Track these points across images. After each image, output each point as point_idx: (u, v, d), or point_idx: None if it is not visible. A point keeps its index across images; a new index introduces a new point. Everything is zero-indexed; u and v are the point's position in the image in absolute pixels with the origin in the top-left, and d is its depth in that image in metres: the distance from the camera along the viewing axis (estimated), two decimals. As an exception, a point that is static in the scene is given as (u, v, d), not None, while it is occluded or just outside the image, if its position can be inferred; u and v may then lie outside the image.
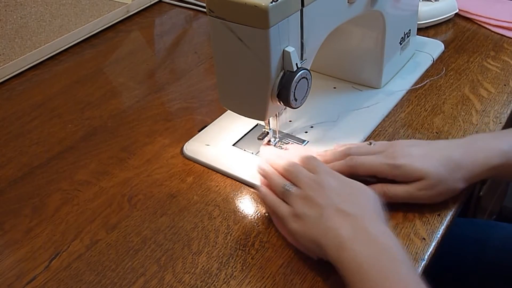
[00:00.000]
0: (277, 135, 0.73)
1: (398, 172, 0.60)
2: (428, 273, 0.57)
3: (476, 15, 0.98)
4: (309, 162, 0.62)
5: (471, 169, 0.60)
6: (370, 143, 0.65)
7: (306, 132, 0.74)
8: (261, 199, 0.62)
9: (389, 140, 0.73)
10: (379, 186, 0.62)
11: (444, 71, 0.77)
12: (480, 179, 0.62)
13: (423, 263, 0.57)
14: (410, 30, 0.84)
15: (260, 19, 0.55)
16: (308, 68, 0.62)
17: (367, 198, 0.57)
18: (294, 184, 0.60)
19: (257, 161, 0.67)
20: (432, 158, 0.60)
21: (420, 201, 0.61)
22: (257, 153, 0.72)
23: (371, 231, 0.52)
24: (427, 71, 0.86)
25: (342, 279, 0.51)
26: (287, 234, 0.59)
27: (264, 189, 0.62)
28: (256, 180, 0.65)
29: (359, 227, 0.53)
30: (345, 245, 0.51)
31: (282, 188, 0.60)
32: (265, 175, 0.63)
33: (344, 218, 0.53)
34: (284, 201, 0.59)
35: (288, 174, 0.61)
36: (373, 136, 0.74)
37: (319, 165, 0.61)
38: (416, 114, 0.77)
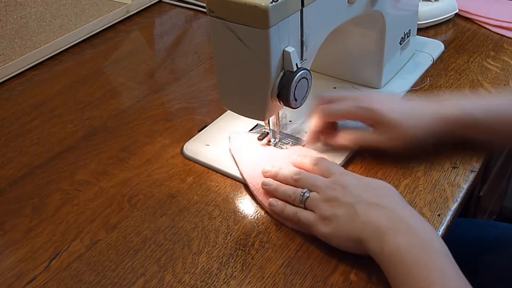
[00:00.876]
0: (277, 135, 0.72)
1: (366, 113, 0.66)
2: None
3: (476, 15, 0.98)
4: (320, 164, 0.62)
5: (431, 118, 0.65)
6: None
7: (306, 132, 0.74)
8: (278, 214, 0.62)
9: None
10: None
11: (428, 81, 0.78)
12: (443, 131, 0.65)
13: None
14: (410, 30, 0.84)
15: (260, 19, 0.55)
16: (308, 68, 0.62)
17: (390, 191, 0.57)
18: (310, 190, 0.60)
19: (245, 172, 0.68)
20: (398, 104, 0.68)
21: (384, 146, 0.66)
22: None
23: (410, 221, 0.52)
24: (427, 71, 0.86)
25: (384, 272, 0.52)
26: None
27: (277, 202, 0.61)
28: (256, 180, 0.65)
29: (397, 218, 0.53)
30: (386, 237, 0.51)
31: (300, 196, 0.59)
32: (272, 190, 0.63)
33: (379, 211, 0.54)
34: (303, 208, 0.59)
35: (299, 183, 0.61)
36: (373, 136, 0.74)
37: (332, 166, 0.61)
38: (416, 114, 0.77)
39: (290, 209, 0.60)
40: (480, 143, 0.68)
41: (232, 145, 0.72)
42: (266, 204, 0.63)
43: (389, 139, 0.65)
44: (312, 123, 0.69)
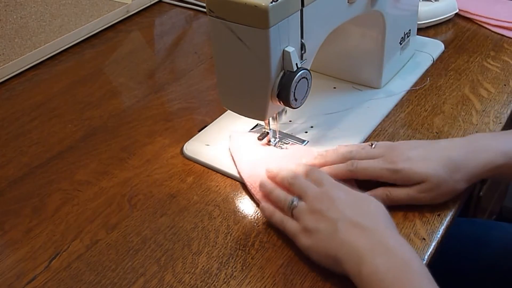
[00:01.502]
0: (277, 135, 0.72)
1: (398, 176, 0.60)
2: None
3: (476, 15, 0.98)
4: (313, 174, 0.61)
5: (472, 170, 0.60)
6: (372, 144, 0.65)
7: (306, 132, 0.74)
8: (267, 218, 0.62)
9: (389, 139, 0.73)
10: (381, 190, 0.62)
11: (428, 81, 0.77)
12: (481, 179, 0.62)
13: (423, 263, 0.56)
14: (410, 30, 0.84)
15: (260, 19, 0.55)
16: (308, 68, 0.62)
17: (377, 209, 0.56)
18: (299, 197, 0.59)
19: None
20: (432, 160, 0.60)
21: (421, 203, 0.61)
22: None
23: (389, 243, 0.52)
24: (427, 71, 0.86)
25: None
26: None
27: (268, 206, 0.62)
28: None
29: (377, 240, 0.52)
30: (365, 259, 0.50)
31: (289, 203, 0.59)
32: (267, 192, 0.63)
33: (360, 231, 0.53)
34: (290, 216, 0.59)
35: (293, 187, 0.61)
36: (373, 136, 0.74)
37: (324, 177, 0.60)
38: (416, 114, 0.77)
39: (278, 216, 0.60)
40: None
41: (232, 145, 0.72)
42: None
43: (433, 198, 0.61)
44: (333, 171, 0.64)
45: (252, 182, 0.66)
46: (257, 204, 0.65)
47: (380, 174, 0.61)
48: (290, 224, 0.58)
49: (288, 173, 0.63)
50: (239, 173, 0.68)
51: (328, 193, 0.57)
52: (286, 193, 0.61)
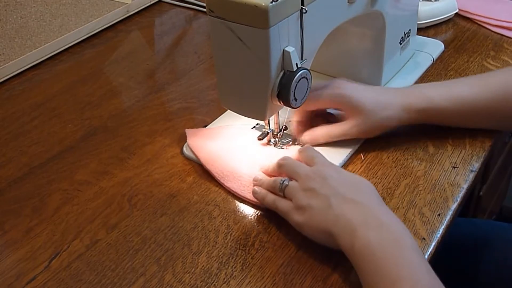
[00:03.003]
0: (277, 135, 0.72)
1: (339, 100, 0.68)
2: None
3: (476, 15, 0.98)
4: (304, 153, 0.63)
5: (397, 108, 0.67)
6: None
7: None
8: (260, 201, 0.63)
9: (389, 139, 0.73)
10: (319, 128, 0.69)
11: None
12: (411, 122, 0.69)
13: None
14: (410, 30, 0.84)
15: (260, 19, 0.55)
16: (308, 68, 0.62)
17: (369, 188, 0.58)
18: (291, 178, 0.60)
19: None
20: (370, 93, 0.68)
21: (354, 137, 0.69)
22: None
23: (383, 218, 0.53)
24: (427, 71, 0.86)
25: (353, 266, 0.52)
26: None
27: (260, 190, 0.63)
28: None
29: (370, 214, 0.53)
30: (358, 232, 0.51)
31: (280, 184, 0.60)
32: (260, 183, 0.64)
33: (354, 206, 0.54)
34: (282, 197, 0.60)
35: (283, 169, 0.62)
36: (373, 136, 0.74)
37: (316, 155, 0.62)
38: (416, 114, 0.77)
39: (270, 197, 0.61)
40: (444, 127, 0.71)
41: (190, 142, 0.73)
42: (248, 197, 0.65)
43: (359, 131, 0.68)
44: (294, 116, 0.71)
45: (241, 180, 0.67)
46: (259, 205, 0.65)
47: (326, 100, 0.68)
48: (283, 203, 0.59)
49: (277, 158, 0.64)
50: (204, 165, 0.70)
51: (320, 172, 0.58)
52: (276, 178, 0.62)
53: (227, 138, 0.73)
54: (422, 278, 0.48)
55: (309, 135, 0.70)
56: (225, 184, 0.67)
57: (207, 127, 0.78)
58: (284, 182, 0.60)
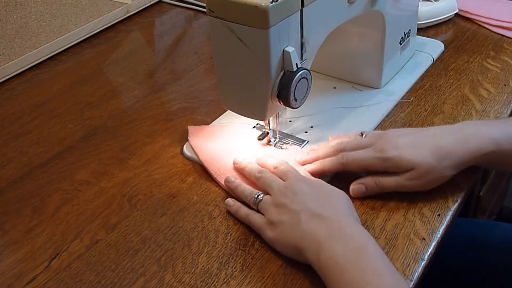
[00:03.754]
0: (277, 135, 0.72)
1: (388, 164, 0.61)
2: (428, 273, 0.57)
3: (476, 15, 0.98)
4: (280, 168, 0.64)
5: (460, 157, 0.61)
6: (362, 134, 0.66)
7: (306, 132, 0.74)
8: (233, 213, 0.63)
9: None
10: (370, 178, 0.63)
11: (411, 100, 0.77)
12: (469, 166, 0.62)
13: (423, 263, 0.57)
14: (410, 30, 0.84)
15: (260, 19, 0.55)
16: (308, 68, 0.62)
17: (340, 200, 0.58)
18: (265, 191, 0.61)
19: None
20: (421, 147, 0.61)
21: (410, 190, 0.62)
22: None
23: (347, 230, 0.54)
24: (427, 71, 0.86)
25: (322, 280, 0.52)
26: None
27: (233, 202, 0.64)
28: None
29: (335, 228, 0.54)
30: (323, 245, 0.52)
31: (254, 198, 0.61)
32: (233, 187, 0.65)
33: (320, 221, 0.55)
34: (256, 210, 0.61)
35: (259, 181, 0.63)
36: (373, 136, 0.74)
37: (290, 170, 0.63)
38: (416, 114, 0.77)
39: (243, 211, 0.62)
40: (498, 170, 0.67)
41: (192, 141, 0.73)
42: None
43: (422, 185, 0.62)
44: (325, 165, 0.65)
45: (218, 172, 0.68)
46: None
47: (371, 163, 0.62)
48: (256, 218, 0.60)
49: (255, 167, 0.65)
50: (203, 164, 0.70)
51: (292, 186, 0.59)
52: (252, 188, 0.63)
53: (227, 138, 0.74)
54: (386, 280, 0.49)
55: (355, 185, 0.64)
56: (222, 182, 0.67)
57: (209, 125, 0.78)
58: (259, 196, 0.61)
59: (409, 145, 0.61)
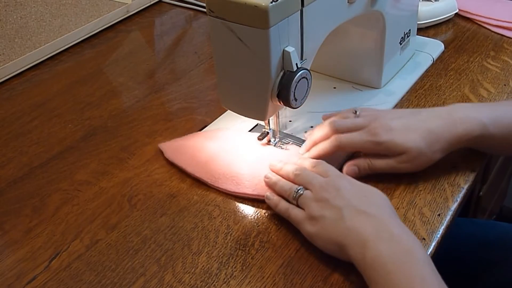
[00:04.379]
0: (277, 135, 0.73)
1: (381, 148, 0.63)
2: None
3: (476, 15, 0.98)
4: (318, 167, 0.62)
5: (450, 141, 0.63)
6: (355, 112, 0.67)
7: (306, 132, 0.74)
8: (273, 207, 0.62)
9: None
10: (363, 160, 0.65)
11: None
12: (457, 148, 0.64)
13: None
14: (410, 30, 0.84)
15: (260, 19, 0.55)
16: (308, 68, 0.62)
17: (382, 200, 0.57)
18: (305, 188, 0.60)
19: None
20: (413, 131, 0.63)
21: (402, 172, 0.64)
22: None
23: (394, 231, 0.53)
24: (427, 71, 0.86)
25: (365, 280, 0.51)
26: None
27: (273, 196, 0.62)
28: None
29: (382, 227, 0.53)
30: (369, 244, 0.51)
31: (294, 192, 0.60)
32: (272, 184, 0.63)
33: (366, 218, 0.54)
34: (296, 205, 0.60)
35: (298, 178, 0.62)
36: (373, 136, 0.74)
37: (329, 168, 0.62)
38: (416, 114, 0.77)
39: (283, 204, 0.61)
40: (486, 152, 0.68)
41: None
42: (245, 191, 0.65)
43: (413, 167, 0.64)
44: (321, 149, 0.66)
45: (251, 179, 0.66)
46: (259, 205, 0.65)
47: (363, 146, 0.64)
48: (296, 212, 0.59)
49: (292, 166, 0.64)
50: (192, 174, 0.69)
51: (334, 183, 0.58)
52: (292, 183, 0.62)
53: (212, 142, 0.73)
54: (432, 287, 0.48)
55: (349, 167, 0.66)
56: (220, 186, 0.67)
57: (204, 129, 0.78)
58: (299, 191, 0.60)
59: (401, 129, 0.63)
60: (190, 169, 0.69)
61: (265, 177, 0.65)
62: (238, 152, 0.71)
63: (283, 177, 0.64)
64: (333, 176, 0.60)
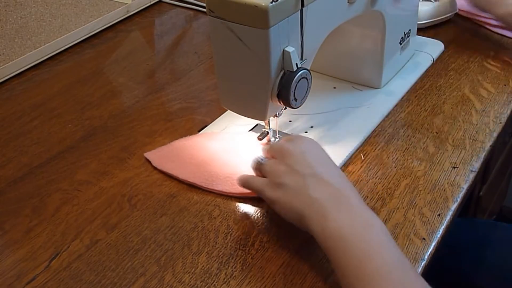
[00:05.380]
0: (277, 135, 0.73)
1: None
2: (428, 273, 0.57)
3: (476, 15, 0.98)
4: (289, 137, 0.62)
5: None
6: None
7: (306, 132, 0.74)
8: (240, 185, 0.62)
9: (389, 139, 0.73)
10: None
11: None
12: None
13: (423, 263, 0.57)
14: (410, 30, 0.84)
15: (260, 19, 0.55)
16: (308, 68, 0.62)
17: (343, 174, 0.58)
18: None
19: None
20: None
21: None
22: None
23: (353, 205, 0.53)
24: (427, 71, 0.86)
25: (324, 251, 0.52)
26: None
27: (241, 176, 0.62)
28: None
29: (344, 200, 0.53)
30: (330, 216, 0.51)
31: (258, 162, 0.60)
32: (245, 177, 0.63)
33: (328, 189, 0.54)
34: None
35: (271, 150, 0.61)
36: (373, 136, 0.74)
37: (298, 136, 0.62)
38: (416, 114, 0.77)
39: (244, 176, 0.61)
40: None
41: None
42: (240, 191, 0.65)
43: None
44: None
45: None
46: (259, 205, 0.65)
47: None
48: (257, 180, 0.59)
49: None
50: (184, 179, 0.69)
51: (299, 146, 0.58)
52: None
53: (211, 143, 0.73)
54: (389, 256, 0.49)
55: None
56: (215, 188, 0.67)
57: (203, 130, 0.78)
58: (262, 160, 0.60)
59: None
60: (182, 176, 0.69)
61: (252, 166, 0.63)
62: (238, 152, 0.71)
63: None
64: (297, 138, 0.60)
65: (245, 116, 0.67)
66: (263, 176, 0.60)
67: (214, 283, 0.56)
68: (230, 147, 0.72)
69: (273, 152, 0.61)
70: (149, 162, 0.73)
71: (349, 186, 0.56)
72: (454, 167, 0.68)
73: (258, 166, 0.60)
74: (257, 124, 0.76)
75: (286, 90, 0.60)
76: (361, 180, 0.67)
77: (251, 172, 0.63)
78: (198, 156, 0.71)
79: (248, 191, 0.65)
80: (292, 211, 0.54)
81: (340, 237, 0.50)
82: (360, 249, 0.49)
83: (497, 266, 0.81)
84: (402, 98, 0.81)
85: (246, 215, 0.64)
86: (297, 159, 0.56)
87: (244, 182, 0.61)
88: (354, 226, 0.51)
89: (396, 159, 0.70)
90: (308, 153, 0.57)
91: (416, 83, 0.84)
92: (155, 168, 0.72)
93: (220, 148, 0.72)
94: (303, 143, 0.59)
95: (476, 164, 0.68)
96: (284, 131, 0.75)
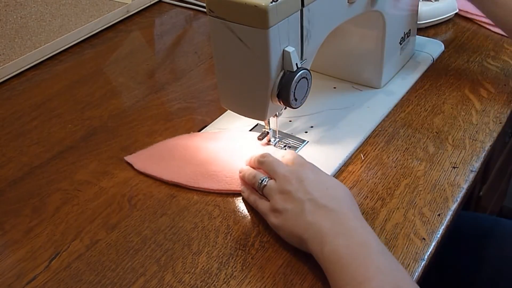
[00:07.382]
0: (277, 135, 0.73)
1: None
2: (428, 273, 0.57)
3: (476, 15, 0.98)
4: (286, 155, 0.64)
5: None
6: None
7: (306, 132, 0.74)
8: (245, 199, 0.65)
9: (389, 139, 0.73)
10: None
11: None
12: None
13: (423, 263, 0.57)
14: (410, 30, 0.84)
15: (260, 19, 0.55)
16: (308, 68, 0.62)
17: (343, 192, 0.59)
18: (270, 177, 0.62)
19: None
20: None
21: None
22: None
23: (351, 225, 0.54)
24: (427, 71, 0.86)
25: (324, 272, 0.53)
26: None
27: (245, 189, 0.65)
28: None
29: (339, 221, 0.54)
30: (326, 239, 0.53)
31: (259, 182, 0.62)
32: (242, 176, 0.66)
33: (325, 213, 0.55)
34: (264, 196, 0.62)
35: (263, 166, 0.63)
36: (373, 136, 0.74)
37: (296, 157, 0.63)
38: (416, 114, 0.77)
39: (252, 197, 0.63)
40: None
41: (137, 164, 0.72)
42: (227, 188, 0.67)
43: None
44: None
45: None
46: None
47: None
48: (261, 204, 0.61)
49: (258, 154, 0.65)
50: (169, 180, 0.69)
51: (298, 173, 0.60)
52: (257, 172, 0.64)
53: (211, 143, 0.73)
54: (388, 277, 0.49)
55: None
56: (201, 186, 0.67)
57: (203, 130, 0.78)
58: (263, 181, 0.62)
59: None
60: (167, 177, 0.69)
61: (240, 171, 0.66)
62: (237, 153, 0.71)
63: (251, 167, 0.66)
64: (297, 165, 0.61)
65: (245, 116, 0.67)
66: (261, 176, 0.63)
67: (214, 283, 0.56)
68: (242, 146, 0.72)
69: (269, 169, 0.62)
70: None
71: (348, 206, 0.57)
72: (454, 167, 0.68)
73: (260, 187, 0.62)
74: (257, 124, 0.76)
75: (286, 90, 0.60)
76: (361, 180, 0.67)
77: (239, 167, 0.66)
78: (180, 156, 0.72)
79: (234, 188, 0.66)
80: (293, 235, 0.57)
81: (337, 259, 0.51)
82: (358, 271, 0.49)
83: (498, 261, 0.81)
84: (402, 98, 0.81)
85: (246, 215, 0.64)
86: (296, 187, 0.58)
87: (250, 200, 0.63)
88: (350, 248, 0.51)
89: (396, 159, 0.70)
90: (306, 180, 0.58)
91: (416, 83, 0.84)
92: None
93: (203, 146, 0.72)
94: (302, 170, 0.60)
95: (476, 164, 0.68)
96: (284, 131, 0.75)
